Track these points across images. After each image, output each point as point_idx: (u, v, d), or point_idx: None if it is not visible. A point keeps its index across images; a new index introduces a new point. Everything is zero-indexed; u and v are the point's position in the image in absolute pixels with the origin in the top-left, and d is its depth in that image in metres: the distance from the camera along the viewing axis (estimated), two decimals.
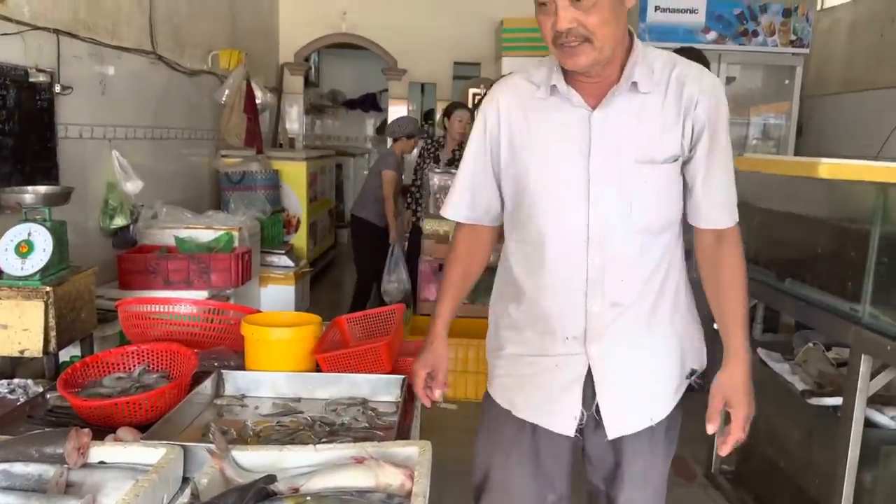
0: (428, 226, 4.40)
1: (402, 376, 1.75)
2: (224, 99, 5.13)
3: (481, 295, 4.30)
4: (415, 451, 1.30)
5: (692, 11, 4.93)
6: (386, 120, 8.88)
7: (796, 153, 5.25)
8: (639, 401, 1.48)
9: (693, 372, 1.53)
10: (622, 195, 1.38)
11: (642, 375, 1.48)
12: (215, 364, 1.87)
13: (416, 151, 5.51)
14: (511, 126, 1.46)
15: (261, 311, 2.08)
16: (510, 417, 1.53)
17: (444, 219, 4.29)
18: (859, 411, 2.10)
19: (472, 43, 7.95)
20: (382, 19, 7.93)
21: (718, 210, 1.42)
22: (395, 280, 5.19)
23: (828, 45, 5.40)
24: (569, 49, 1.31)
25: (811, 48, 5.09)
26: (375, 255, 5.17)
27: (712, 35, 4.96)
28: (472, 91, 7.19)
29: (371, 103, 10.62)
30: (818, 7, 5.58)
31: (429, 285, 4.28)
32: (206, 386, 1.70)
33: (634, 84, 1.37)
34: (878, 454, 2.16)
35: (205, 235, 3.88)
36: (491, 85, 4.96)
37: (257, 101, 5.54)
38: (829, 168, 2.24)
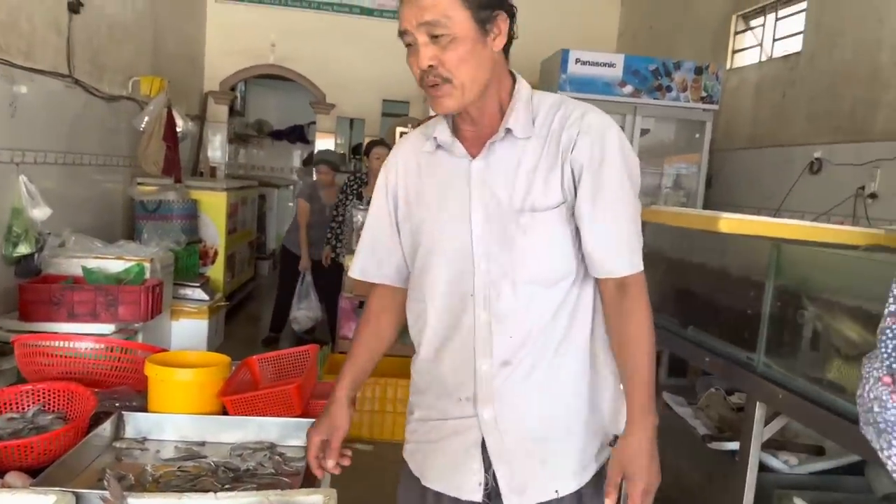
0: (349, 262, 4.38)
1: (313, 420, 1.73)
2: (143, 126, 5.01)
3: (402, 332, 4.32)
4: (319, 499, 1.28)
5: (610, 65, 5.15)
6: (312, 152, 8.85)
7: (705, 203, 5.51)
8: (536, 470, 1.38)
9: (616, 439, 1.39)
10: (504, 246, 1.33)
11: (540, 442, 1.38)
12: (116, 405, 1.80)
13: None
14: (406, 182, 1.46)
15: (167, 350, 2.02)
16: (419, 484, 1.49)
17: None
18: (754, 456, 2.20)
19: (401, 82, 8.03)
20: (312, 53, 7.95)
21: (611, 257, 1.33)
22: (304, 307, 5.31)
23: (735, 102, 5.74)
24: (433, 91, 1.29)
25: (720, 105, 5.38)
26: (294, 281, 5.46)
27: (629, 89, 5.19)
28: (399, 129, 7.26)
29: (298, 135, 10.57)
30: (727, 66, 5.93)
31: (348, 322, 4.25)
32: (105, 428, 1.64)
33: (510, 131, 1.34)
34: (772, 497, 2.26)
35: (114, 266, 3.75)
36: (419, 124, 5.08)
37: (178, 129, 5.43)
38: (728, 223, 2.36)
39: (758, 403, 2.16)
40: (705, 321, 2.61)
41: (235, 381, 1.86)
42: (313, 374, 2.01)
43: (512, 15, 1.33)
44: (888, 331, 0.82)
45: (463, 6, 1.25)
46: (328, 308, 5.50)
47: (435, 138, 1.40)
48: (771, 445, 2.37)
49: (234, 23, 7.79)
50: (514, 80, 1.39)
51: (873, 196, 4.17)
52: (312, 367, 1.99)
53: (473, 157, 1.36)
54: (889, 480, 2.21)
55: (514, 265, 1.33)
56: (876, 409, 0.80)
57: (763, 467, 2.28)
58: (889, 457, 0.81)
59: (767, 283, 2.20)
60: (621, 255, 1.33)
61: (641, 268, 1.35)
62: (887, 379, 0.80)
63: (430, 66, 1.27)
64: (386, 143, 5.51)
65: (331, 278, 5.39)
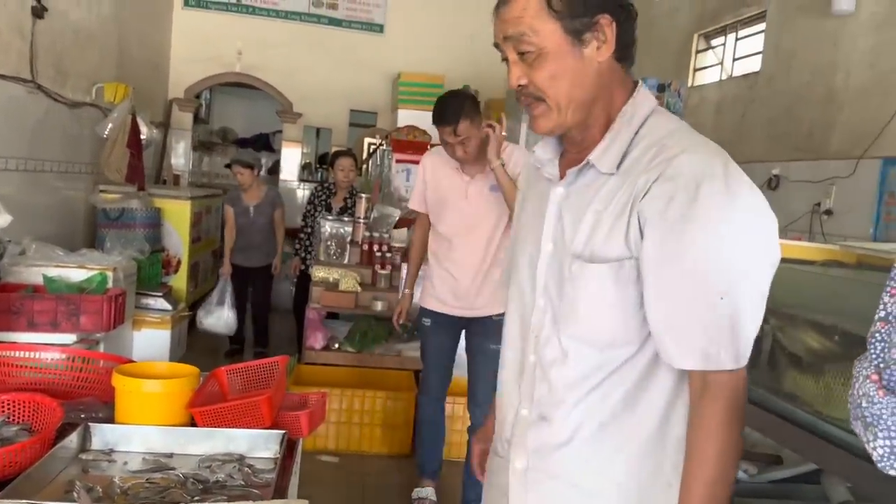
0: (317, 273, 4.37)
1: (282, 431, 1.73)
2: (106, 133, 4.94)
3: (369, 343, 4.32)
4: None
5: None
6: (278, 161, 8.80)
7: None
8: None
9: None
10: (558, 289, 1.18)
11: None
12: (82, 416, 1.78)
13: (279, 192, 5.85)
14: (524, 187, 1.40)
15: (133, 361, 2.00)
16: None
17: (334, 266, 4.36)
18: None
19: (369, 93, 8.07)
20: (280, 63, 7.93)
21: (670, 344, 1.08)
22: (214, 312, 5.30)
23: (697, 119, 5.88)
24: (529, 110, 1.17)
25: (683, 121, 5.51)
26: (243, 289, 5.58)
27: None
28: (367, 140, 7.27)
29: (264, 143, 10.49)
30: (689, 84, 6.08)
31: (315, 333, 4.22)
32: (72, 440, 1.62)
33: (590, 163, 1.16)
34: None
35: (76, 275, 3.68)
36: (387, 136, 5.04)
37: (142, 137, 5.38)
38: None
39: None
40: None
41: (204, 392, 1.85)
42: (282, 385, 2.01)
43: (624, 17, 1.13)
44: (877, 334, 0.89)
45: (551, 17, 1.09)
46: (256, 315, 5.67)
47: (534, 151, 1.29)
48: None
49: (201, 30, 7.73)
50: (631, 95, 1.18)
51: (829, 213, 4.32)
52: (282, 379, 1.99)
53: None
54: (843, 489, 2.29)
55: (562, 312, 1.17)
56: (864, 404, 0.86)
57: None
58: (874, 448, 0.86)
59: None
60: (686, 345, 1.07)
61: (731, 366, 1.06)
62: (874, 376, 0.86)
63: (521, 86, 1.15)
64: (352, 154, 5.50)
65: (263, 285, 5.62)
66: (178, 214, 5.59)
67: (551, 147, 1.27)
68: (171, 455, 1.67)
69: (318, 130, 8.49)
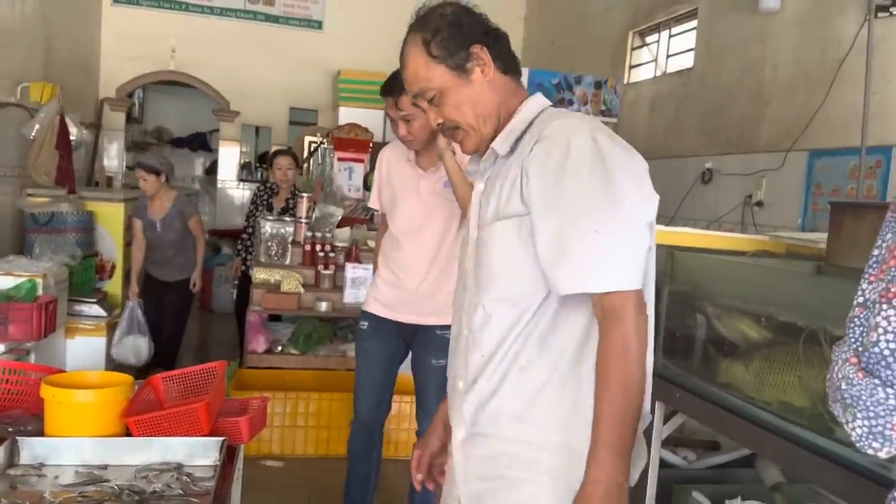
0: (259, 275, 4.29)
1: (222, 438, 1.70)
2: (33, 134, 4.75)
3: (313, 345, 4.27)
4: None
5: None
6: (216, 161, 8.62)
7: None
8: None
9: None
10: (477, 261, 1.36)
11: (497, 480, 1.31)
12: (9, 430, 1.71)
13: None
14: None
15: (64, 371, 1.93)
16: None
17: (275, 267, 4.29)
18: (655, 453, 2.31)
19: (309, 90, 7.98)
20: (215, 60, 7.77)
21: (556, 269, 1.20)
22: (123, 341, 4.61)
23: (633, 115, 6.00)
24: (454, 139, 1.41)
25: (619, 118, 5.62)
26: (158, 305, 4.93)
27: None
28: (308, 138, 7.18)
29: (200, 143, 10.27)
30: (625, 81, 6.20)
31: (257, 336, 4.15)
32: None
33: (493, 150, 1.38)
34: (672, 492, 2.38)
35: (3, 282, 3.53)
36: (328, 134, 4.84)
37: (72, 138, 5.18)
38: None
39: (657, 402, 2.27)
40: None
41: (139, 400, 1.80)
42: (221, 391, 1.97)
43: (493, 40, 1.36)
44: (855, 319, 0.93)
45: (435, 63, 1.34)
46: (175, 329, 5.03)
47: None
48: (670, 442, 2.49)
49: (132, 28, 7.51)
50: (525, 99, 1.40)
51: (759, 204, 4.46)
52: (220, 384, 1.95)
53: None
54: (776, 471, 2.37)
55: (481, 279, 1.34)
56: (843, 386, 0.90)
57: (663, 463, 2.40)
58: (853, 428, 0.90)
59: (663, 288, 2.32)
60: (574, 268, 1.18)
61: (623, 286, 1.16)
62: (854, 359, 0.89)
63: (439, 124, 1.39)
64: (291, 153, 5.42)
65: (179, 301, 4.96)
66: (111, 217, 5.41)
67: (476, 160, 1.46)
68: (105, 467, 1.62)
69: (257, 129, 8.35)
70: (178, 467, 1.63)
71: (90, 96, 7.29)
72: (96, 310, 4.53)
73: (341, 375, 4.12)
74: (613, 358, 1.16)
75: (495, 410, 1.30)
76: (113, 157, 7.85)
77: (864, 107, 3.67)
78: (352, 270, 4.18)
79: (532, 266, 1.24)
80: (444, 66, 1.33)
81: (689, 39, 5.55)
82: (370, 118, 6.41)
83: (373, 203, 2.93)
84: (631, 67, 6.34)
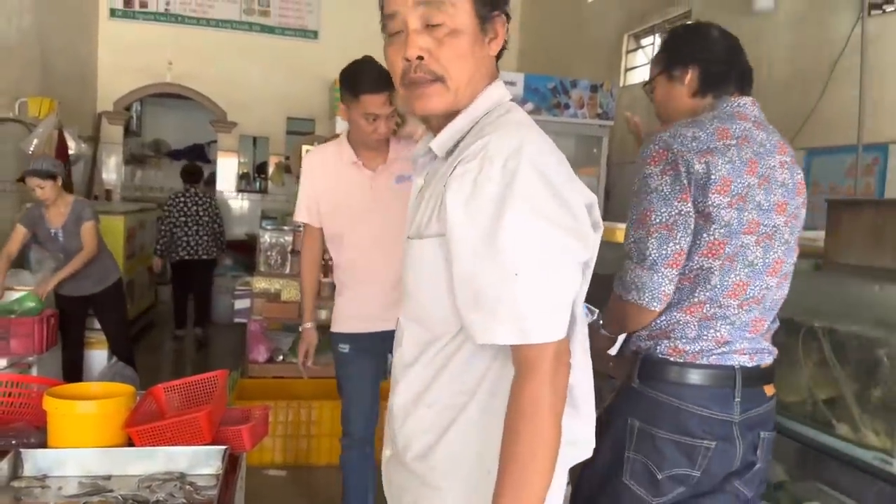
0: (259, 284, 4.30)
1: (223, 447, 1.70)
2: (32, 149, 4.77)
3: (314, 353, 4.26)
4: None
5: (511, 83, 5.31)
6: (214, 172, 8.64)
7: (604, 215, 5.72)
8: None
9: None
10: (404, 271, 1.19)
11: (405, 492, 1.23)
12: (12, 442, 1.72)
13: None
14: None
15: (66, 383, 1.94)
16: None
17: (275, 276, 4.30)
18: None
19: (306, 100, 8.00)
20: (212, 71, 7.80)
21: (471, 313, 1.03)
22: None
23: None
24: (416, 88, 1.10)
25: (615, 121, 5.63)
26: (75, 328, 4.28)
27: (529, 106, 5.35)
28: (305, 147, 7.18)
29: (198, 154, 10.29)
30: (621, 84, 6.21)
31: (258, 346, 4.15)
32: (2, 467, 1.56)
33: (430, 150, 1.18)
34: None
35: (5, 296, 3.55)
36: (324, 143, 4.82)
37: (70, 152, 5.22)
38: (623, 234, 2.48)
39: None
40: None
41: (141, 410, 1.80)
42: (223, 400, 1.98)
43: (508, 22, 1.17)
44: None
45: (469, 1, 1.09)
46: (124, 346, 4.46)
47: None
48: None
49: (129, 41, 7.54)
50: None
51: None
52: (222, 393, 1.95)
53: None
54: (779, 469, 2.37)
55: (403, 293, 1.20)
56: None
57: None
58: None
59: None
60: (486, 315, 1.01)
61: (540, 339, 1.00)
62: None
63: (420, 58, 1.08)
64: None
65: (113, 305, 4.39)
66: (110, 230, 5.43)
67: (425, 142, 1.22)
68: (109, 477, 1.63)
69: (254, 139, 8.37)
70: (181, 476, 1.63)
71: (88, 110, 7.32)
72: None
73: None
74: (522, 416, 0.99)
75: (406, 438, 1.18)
76: (112, 171, 7.87)
77: (860, 105, 3.68)
78: None
79: (449, 293, 1.07)
80: (473, 6, 1.09)
81: None
82: None
83: (300, 216, 2.65)
84: (627, 70, 6.36)
